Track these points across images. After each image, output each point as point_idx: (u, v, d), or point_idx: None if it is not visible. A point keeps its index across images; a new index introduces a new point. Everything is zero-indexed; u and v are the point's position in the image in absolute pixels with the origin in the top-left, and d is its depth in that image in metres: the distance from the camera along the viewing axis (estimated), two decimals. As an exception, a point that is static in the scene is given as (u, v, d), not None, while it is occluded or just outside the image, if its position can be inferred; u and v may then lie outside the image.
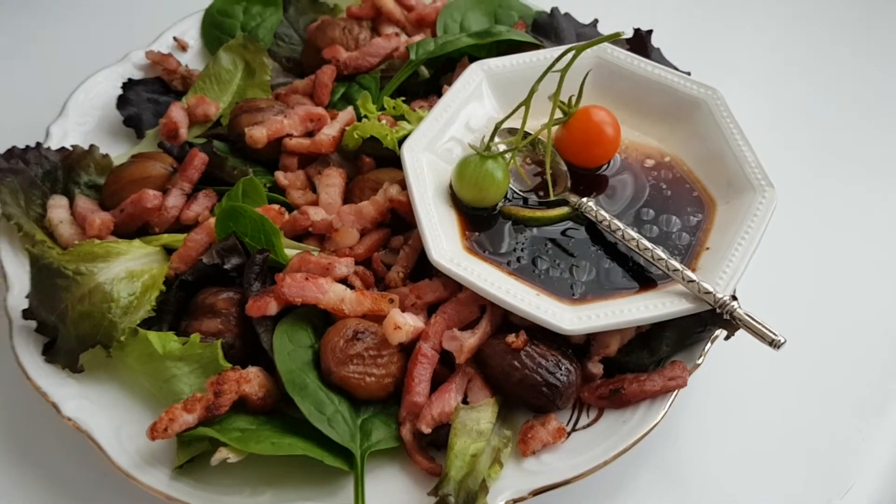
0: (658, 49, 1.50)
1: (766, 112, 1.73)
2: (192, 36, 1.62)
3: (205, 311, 1.15)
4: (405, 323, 1.10)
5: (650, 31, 1.49)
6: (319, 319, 1.16)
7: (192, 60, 1.58)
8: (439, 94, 1.39)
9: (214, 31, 1.59)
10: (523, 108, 1.20)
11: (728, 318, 1.09)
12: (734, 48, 1.91)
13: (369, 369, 1.10)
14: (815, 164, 1.65)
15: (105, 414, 1.10)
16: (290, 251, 1.23)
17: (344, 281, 1.19)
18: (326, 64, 1.46)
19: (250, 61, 1.49)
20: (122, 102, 1.45)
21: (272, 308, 1.12)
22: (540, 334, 1.12)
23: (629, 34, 1.50)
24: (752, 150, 1.26)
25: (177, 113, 1.39)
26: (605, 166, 1.32)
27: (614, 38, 1.15)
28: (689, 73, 1.42)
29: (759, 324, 1.07)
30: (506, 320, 1.17)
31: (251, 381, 1.09)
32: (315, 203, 1.29)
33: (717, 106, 1.31)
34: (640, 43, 1.48)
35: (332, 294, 1.14)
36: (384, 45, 1.49)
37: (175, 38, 1.59)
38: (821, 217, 1.54)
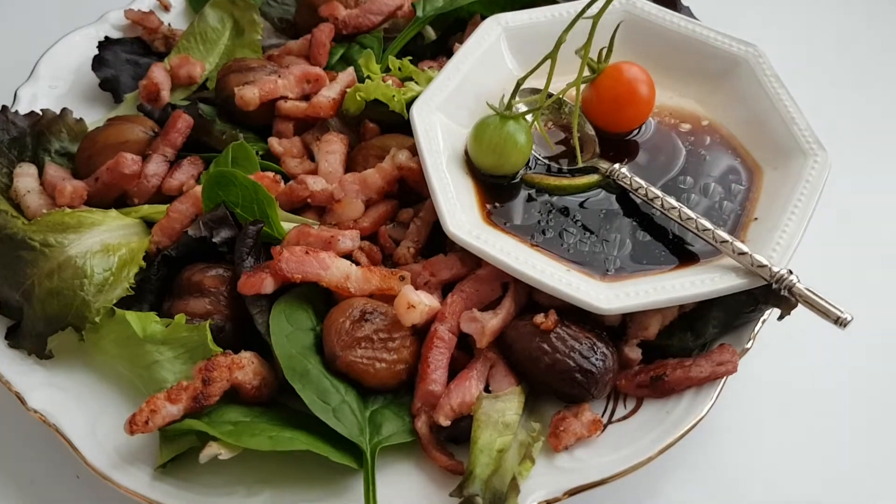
0: (688, 7, 1.39)
1: (806, 66, 1.60)
2: None
3: (191, 290, 1.05)
4: (419, 301, 0.99)
5: None
6: (321, 300, 1.06)
7: (175, 20, 1.48)
8: (449, 56, 1.27)
9: None
10: (548, 64, 1.08)
11: (786, 293, 0.98)
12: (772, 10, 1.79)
13: (379, 354, 0.99)
14: (868, 120, 1.53)
15: (77, 406, 1.01)
16: (287, 225, 1.11)
17: (348, 257, 1.08)
18: (323, 22, 1.35)
19: (239, 19, 1.38)
20: (97, 63, 1.34)
21: (268, 285, 1.00)
22: (570, 315, 1.01)
23: None
24: (799, 110, 1.16)
25: (158, 73, 1.27)
26: (636, 131, 1.21)
27: None
28: None
29: (823, 299, 0.96)
30: (531, 300, 1.06)
31: (244, 367, 0.98)
32: (314, 173, 1.18)
33: (759, 64, 1.21)
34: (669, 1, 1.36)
35: (335, 270, 1.03)
36: (388, 1, 1.39)
37: None
38: (879, 181, 1.43)
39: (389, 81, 1.22)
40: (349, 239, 1.07)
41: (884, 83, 1.61)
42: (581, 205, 1.11)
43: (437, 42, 1.39)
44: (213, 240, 1.06)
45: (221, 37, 1.36)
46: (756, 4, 1.78)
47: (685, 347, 1.05)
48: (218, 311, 1.03)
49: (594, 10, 1.06)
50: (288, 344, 0.98)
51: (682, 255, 1.06)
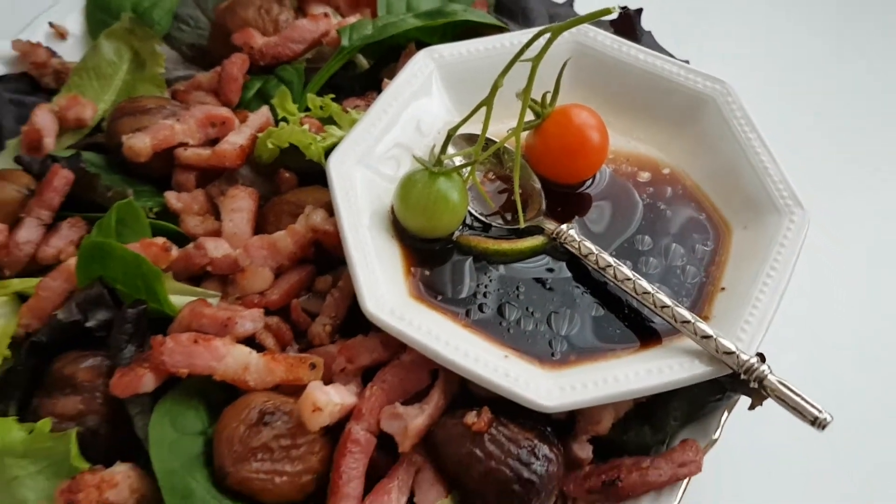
0: (649, 32, 1.29)
1: (782, 108, 1.51)
2: (75, 20, 1.35)
3: (62, 386, 0.91)
4: (328, 402, 0.87)
5: (640, 10, 1.29)
6: (217, 393, 0.92)
7: (72, 52, 1.31)
8: (379, 90, 1.16)
9: (100, 13, 1.33)
10: (484, 109, 0.96)
11: (755, 386, 0.86)
12: (737, 27, 1.70)
13: (280, 466, 0.86)
14: (845, 172, 1.45)
15: None
16: (182, 298, 0.98)
17: (251, 340, 0.95)
18: (237, 52, 1.23)
19: (139, 50, 1.25)
20: None
21: (147, 383, 0.87)
22: (509, 408, 0.89)
23: (614, 15, 1.25)
24: (774, 160, 1.04)
25: (42, 117, 1.13)
26: (588, 182, 1.09)
27: (601, 17, 0.90)
28: (687, 62, 1.18)
29: (798, 395, 0.85)
30: (465, 390, 0.94)
31: (118, 485, 0.84)
32: (217, 233, 1.06)
33: (727, 104, 1.09)
34: (627, 25, 1.28)
35: (231, 360, 0.90)
36: (310, 28, 1.27)
37: (51, 24, 1.32)
38: (861, 244, 1.34)
39: (307, 125, 1.09)
40: (249, 321, 0.93)
41: (860, 131, 1.52)
42: (525, 273, 0.99)
43: (367, 73, 1.27)
44: (87, 324, 0.92)
45: (118, 71, 1.22)
46: (728, 31, 1.69)
47: (643, 443, 0.94)
48: (92, 410, 0.89)
49: (535, 49, 0.92)
50: (170, 457, 0.84)
51: (641, 333, 0.95)
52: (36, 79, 1.26)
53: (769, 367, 0.86)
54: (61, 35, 1.32)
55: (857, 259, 1.31)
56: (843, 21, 1.73)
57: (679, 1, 1.72)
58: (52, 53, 1.26)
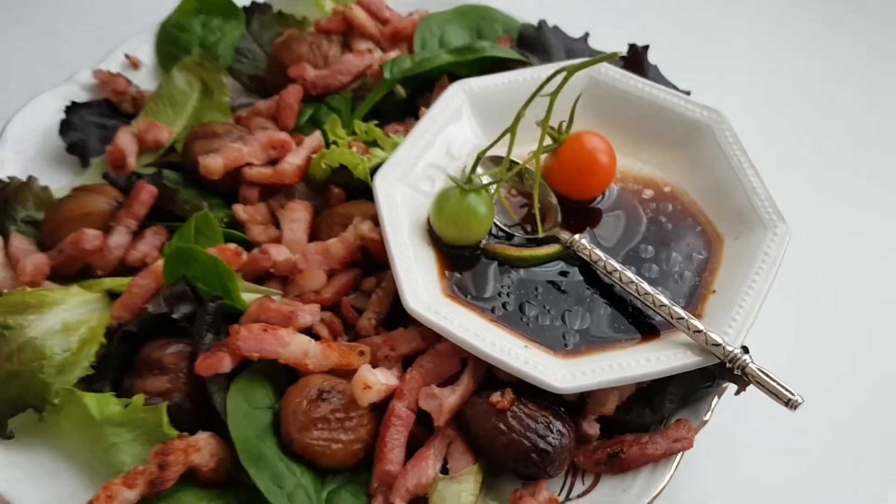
0: (655, 66, 1.41)
1: (774, 134, 1.63)
2: (146, 52, 1.49)
3: (150, 368, 1.04)
4: (376, 381, 1.00)
5: (646, 47, 1.40)
6: (282, 375, 1.05)
7: (145, 80, 1.45)
8: (416, 117, 1.30)
9: (170, 47, 1.47)
10: (508, 136, 1.09)
11: (739, 373, 0.99)
12: (735, 60, 1.82)
13: (336, 435, 0.99)
14: (830, 190, 1.55)
15: (36, 487, 0.99)
16: (250, 295, 1.12)
17: (309, 331, 1.08)
18: (292, 83, 1.36)
19: (207, 81, 1.38)
20: (65, 127, 1.32)
21: (226, 365, 1.00)
22: (528, 390, 1.01)
23: (623, 49, 1.41)
24: (761, 180, 1.16)
25: (124, 139, 1.27)
26: (599, 198, 1.22)
27: (610, 59, 1.04)
28: (688, 93, 1.32)
29: (774, 381, 0.97)
30: (490, 374, 1.06)
31: (201, 449, 0.98)
32: (278, 240, 1.19)
33: (721, 131, 1.21)
34: (635, 60, 1.39)
35: (294, 347, 1.03)
36: (356, 62, 1.39)
37: (126, 56, 1.46)
38: (841, 253, 1.45)
39: (355, 147, 1.22)
40: (309, 314, 1.07)
41: (846, 154, 1.63)
42: (542, 276, 1.12)
43: (406, 101, 1.39)
44: (173, 316, 1.06)
45: (189, 99, 1.36)
46: (728, 63, 1.81)
47: (643, 423, 1.06)
48: (177, 388, 1.02)
49: (553, 84, 1.07)
50: (244, 425, 0.98)
51: (643, 328, 1.07)
52: (115, 104, 1.38)
53: (751, 358, 0.98)
54: (135, 65, 1.45)
55: (842, 266, 1.41)
56: (832, 47, 1.84)
57: (684, 36, 1.84)
58: (129, 82, 1.39)
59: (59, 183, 1.28)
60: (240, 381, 1.02)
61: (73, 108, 1.34)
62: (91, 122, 1.34)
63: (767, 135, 1.55)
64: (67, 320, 1.05)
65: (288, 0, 1.57)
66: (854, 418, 1.22)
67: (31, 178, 1.23)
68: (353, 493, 0.99)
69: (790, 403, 0.95)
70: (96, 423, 0.99)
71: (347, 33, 1.49)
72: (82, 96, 1.39)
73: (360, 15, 1.47)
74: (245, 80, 1.45)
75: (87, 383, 1.04)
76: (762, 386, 0.97)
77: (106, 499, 0.91)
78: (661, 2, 1.94)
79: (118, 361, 1.06)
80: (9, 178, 1.23)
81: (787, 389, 0.96)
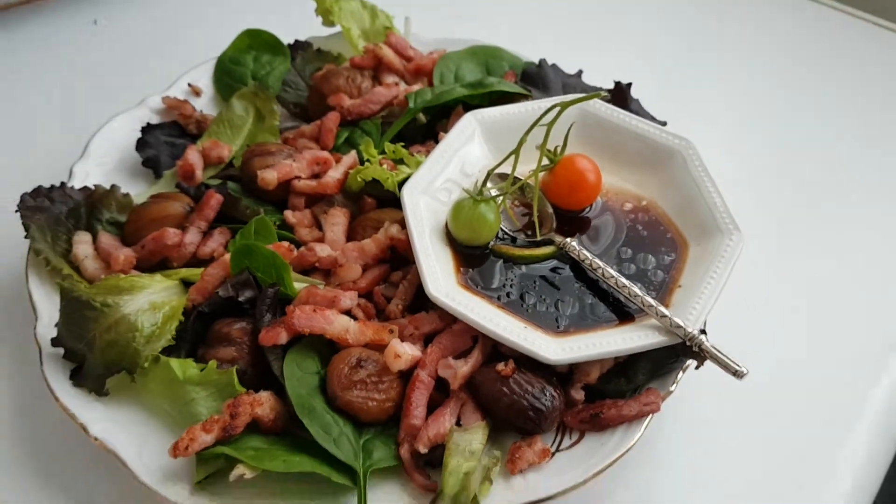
0: (637, 100, 1.59)
1: (740, 159, 1.82)
2: (205, 82, 1.66)
3: (220, 340, 1.22)
4: (405, 352, 1.18)
5: (630, 84, 1.58)
6: (326, 348, 1.23)
7: (205, 105, 1.65)
8: (436, 140, 1.44)
9: (226, 77, 1.64)
10: (513, 156, 1.28)
11: (697, 350, 1.17)
12: (711, 98, 2.01)
13: (371, 394, 1.17)
14: (785, 208, 1.72)
15: (129, 435, 1.13)
16: (299, 284, 1.29)
17: (348, 313, 1.25)
18: (331, 110, 1.51)
19: (260, 107, 1.56)
20: (141, 145, 1.52)
21: (283, 337, 1.19)
22: (527, 363, 1.15)
23: (610, 85, 1.60)
24: (721, 197, 1.34)
25: (193, 156, 1.47)
26: (587, 209, 1.37)
27: (597, 97, 1.26)
28: (665, 124, 1.52)
29: (724, 356, 1.15)
30: (496, 350, 1.20)
31: (263, 404, 1.15)
32: (321, 240, 1.33)
33: (689, 156, 1.39)
34: (620, 95, 1.53)
35: (337, 325, 1.21)
36: (385, 93, 1.53)
37: (189, 85, 1.63)
38: (789, 258, 1.62)
39: (385, 164, 1.39)
40: (348, 299, 1.25)
41: (801, 178, 1.81)
42: (539, 272, 1.29)
43: (426, 126, 1.55)
44: (239, 299, 1.23)
45: (246, 123, 1.54)
46: (702, 94, 2.02)
47: (620, 390, 1.19)
48: (242, 357, 1.18)
49: (550, 116, 1.29)
50: (298, 386, 1.16)
51: (621, 314, 1.24)
52: (182, 126, 1.55)
53: (707, 338, 1.16)
54: (196, 93, 1.64)
55: (787, 267, 1.58)
56: (793, 80, 2.03)
57: (663, 74, 2.04)
58: (194, 108, 1.59)
59: (135, 191, 1.47)
60: (293, 351, 1.19)
61: (147, 129, 1.53)
62: (163, 141, 1.53)
63: (732, 157, 1.75)
64: (154, 300, 1.24)
65: (326, 39, 1.73)
66: (794, 390, 1.39)
67: (114, 186, 1.42)
68: (384, 441, 1.16)
69: (737, 374, 1.13)
70: (179, 382, 1.17)
71: (377, 68, 1.63)
72: (152, 118, 1.58)
73: (388, 53, 1.61)
74: (290, 107, 1.61)
75: (168, 352, 1.21)
76: (715, 360, 1.15)
77: (189, 441, 1.08)
78: (644, 45, 2.15)
79: (193, 335, 1.23)
80: (94, 185, 1.43)
81: (734, 363, 1.14)
